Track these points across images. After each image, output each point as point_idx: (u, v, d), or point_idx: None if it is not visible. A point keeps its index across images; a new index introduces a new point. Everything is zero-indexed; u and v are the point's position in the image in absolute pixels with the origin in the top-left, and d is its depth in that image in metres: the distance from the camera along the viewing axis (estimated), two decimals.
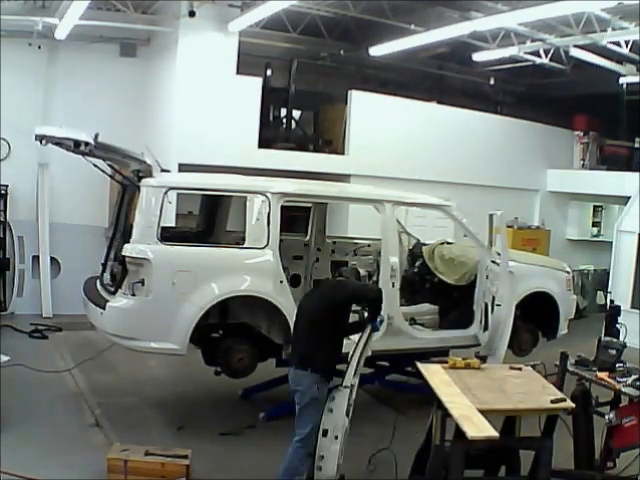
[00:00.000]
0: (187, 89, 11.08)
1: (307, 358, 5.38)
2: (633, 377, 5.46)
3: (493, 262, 7.47)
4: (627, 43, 11.33)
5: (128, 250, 6.41)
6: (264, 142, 11.76)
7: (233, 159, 10.50)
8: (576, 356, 5.97)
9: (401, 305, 7.33)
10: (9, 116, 11.04)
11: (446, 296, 8.10)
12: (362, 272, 7.26)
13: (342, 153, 12.55)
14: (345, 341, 6.81)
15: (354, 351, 5.60)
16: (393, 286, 7.05)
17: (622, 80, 12.85)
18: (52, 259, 11.57)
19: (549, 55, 12.86)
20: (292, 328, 5.88)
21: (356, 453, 6.19)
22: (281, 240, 6.78)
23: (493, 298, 7.34)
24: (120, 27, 11.33)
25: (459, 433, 4.57)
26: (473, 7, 10.57)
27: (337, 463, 5.29)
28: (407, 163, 12.61)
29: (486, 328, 7.44)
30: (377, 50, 12.45)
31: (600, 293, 13.87)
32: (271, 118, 12.57)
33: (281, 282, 6.66)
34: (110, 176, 7.71)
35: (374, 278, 7.99)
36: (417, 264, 8.45)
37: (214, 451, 6.17)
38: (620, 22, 10.37)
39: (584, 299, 13.95)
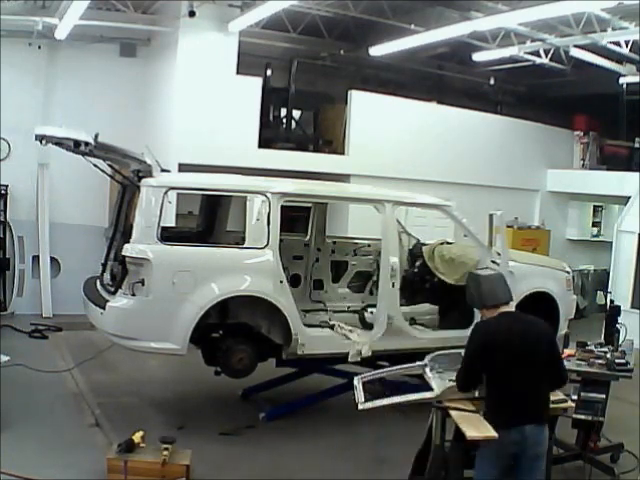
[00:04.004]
0: (187, 89, 11.07)
1: (543, 411, 4.57)
2: None
3: (493, 262, 7.46)
4: (627, 43, 11.34)
5: (128, 250, 6.40)
6: (264, 142, 11.76)
7: (233, 159, 10.49)
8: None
9: (401, 305, 7.33)
10: (9, 116, 11.04)
11: (446, 296, 8.08)
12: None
13: (342, 153, 12.55)
14: (345, 341, 6.91)
15: None
16: (393, 286, 7.04)
17: (622, 80, 12.86)
18: (52, 259, 11.57)
19: (549, 55, 12.88)
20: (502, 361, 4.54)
21: (356, 453, 6.20)
22: (281, 240, 6.76)
23: None
24: (120, 27, 11.35)
25: (459, 433, 4.57)
26: (473, 7, 10.57)
27: None
28: (407, 163, 12.60)
29: None
30: (377, 50, 12.45)
31: (600, 293, 13.85)
32: (271, 118, 12.57)
33: (281, 282, 6.64)
34: (110, 176, 7.69)
35: (374, 278, 7.97)
36: (417, 264, 8.42)
37: (214, 451, 6.16)
38: (620, 22, 10.38)
39: (584, 299, 13.95)
